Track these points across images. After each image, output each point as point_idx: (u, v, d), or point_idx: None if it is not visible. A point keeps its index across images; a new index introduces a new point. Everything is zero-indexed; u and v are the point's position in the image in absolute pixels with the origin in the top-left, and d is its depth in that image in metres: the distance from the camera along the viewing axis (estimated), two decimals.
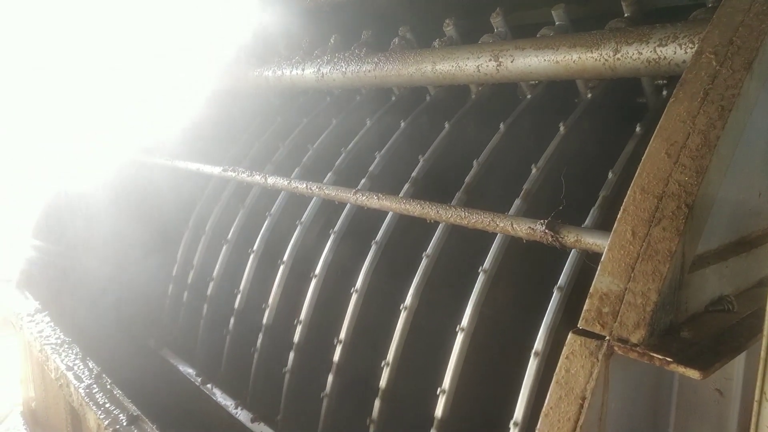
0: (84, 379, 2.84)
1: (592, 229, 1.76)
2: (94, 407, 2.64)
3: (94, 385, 2.78)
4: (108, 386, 2.76)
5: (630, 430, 1.40)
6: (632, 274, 1.30)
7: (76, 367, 2.95)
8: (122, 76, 4.38)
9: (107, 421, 2.53)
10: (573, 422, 1.25)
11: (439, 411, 2.12)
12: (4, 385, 4.67)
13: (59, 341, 3.20)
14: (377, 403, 2.30)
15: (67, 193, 4.25)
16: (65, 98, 4.83)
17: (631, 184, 1.41)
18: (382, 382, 2.31)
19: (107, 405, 2.63)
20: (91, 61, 4.64)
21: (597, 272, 1.37)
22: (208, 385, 3.13)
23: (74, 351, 3.08)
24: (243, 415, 2.85)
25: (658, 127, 1.45)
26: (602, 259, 1.38)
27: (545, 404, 1.32)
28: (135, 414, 2.54)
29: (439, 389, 2.12)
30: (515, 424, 1.86)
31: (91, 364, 2.94)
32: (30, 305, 3.63)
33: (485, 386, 2.18)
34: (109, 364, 2.97)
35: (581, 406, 1.26)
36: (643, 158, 1.43)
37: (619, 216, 1.39)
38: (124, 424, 2.51)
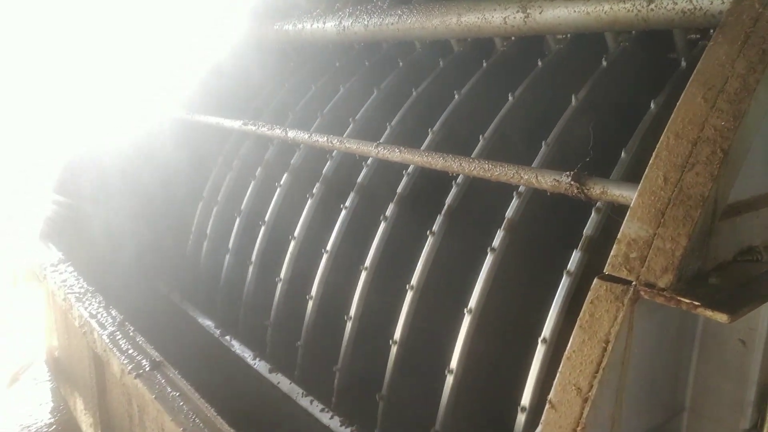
0: (107, 326, 2.90)
1: (619, 181, 1.73)
2: (117, 353, 2.70)
3: (117, 333, 2.84)
4: (131, 333, 2.82)
5: (651, 375, 1.40)
6: (662, 220, 1.27)
7: (99, 315, 3.01)
8: (142, 31, 4.35)
9: (130, 366, 2.59)
10: (596, 364, 1.25)
11: (454, 361, 2.13)
12: (28, 335, 4.80)
13: (83, 290, 3.26)
14: (393, 349, 2.32)
15: (87, 149, 4.27)
16: (84, 55, 4.81)
17: (665, 130, 1.38)
18: (398, 332, 2.32)
19: (130, 351, 2.69)
20: (113, 18, 4.62)
21: (625, 219, 1.35)
22: (227, 337, 3.18)
23: (97, 300, 3.15)
24: (261, 366, 2.90)
25: (695, 71, 1.40)
26: (632, 205, 1.35)
27: (567, 348, 1.32)
28: (158, 360, 2.59)
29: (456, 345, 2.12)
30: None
31: (114, 313, 3.00)
32: (53, 255, 3.70)
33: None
34: (131, 314, 3.03)
35: (605, 349, 1.26)
36: (678, 104, 1.39)
37: (650, 162, 1.36)
38: (147, 369, 2.56)
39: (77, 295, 3.23)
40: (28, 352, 4.50)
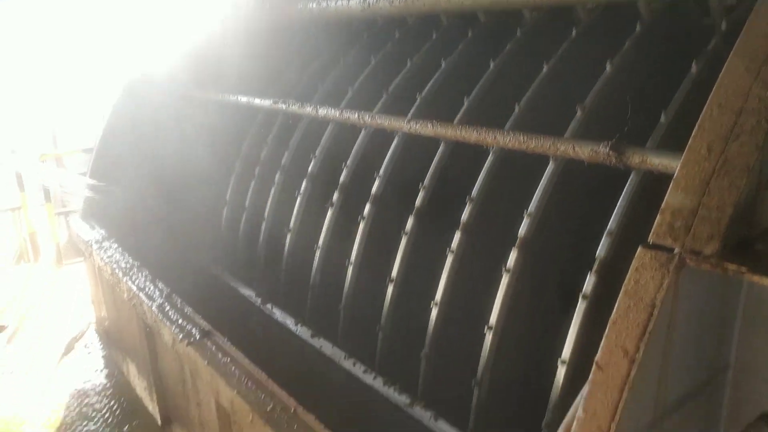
0: (156, 298, 3.05)
1: (659, 150, 1.78)
2: (167, 323, 2.84)
3: (166, 304, 2.99)
4: (179, 305, 2.96)
5: (696, 337, 1.47)
6: (707, 189, 1.33)
7: (147, 288, 3.15)
8: (169, 14, 4.39)
9: (181, 335, 2.73)
10: (642, 328, 1.33)
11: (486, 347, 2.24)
12: (75, 308, 5.02)
13: (128, 265, 3.41)
14: (434, 310, 2.42)
15: (118, 132, 4.36)
16: (116, 34, 4.87)
17: (708, 101, 1.41)
18: (438, 294, 2.41)
19: (180, 321, 2.83)
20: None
21: (669, 188, 1.40)
22: (268, 305, 3.31)
23: (143, 274, 3.29)
24: (303, 331, 3.03)
25: (737, 42, 1.43)
26: (675, 175, 1.40)
27: (613, 313, 1.39)
28: (207, 329, 2.73)
29: (486, 328, 2.22)
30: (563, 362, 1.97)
31: (160, 285, 3.14)
32: (97, 233, 3.84)
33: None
34: (176, 286, 3.16)
35: (651, 314, 1.33)
36: (720, 74, 1.42)
37: (694, 132, 1.40)
38: (198, 337, 2.71)
39: (124, 269, 3.38)
40: (78, 324, 4.71)
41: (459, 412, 2.32)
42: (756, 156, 1.28)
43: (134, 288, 3.18)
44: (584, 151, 1.97)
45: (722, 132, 1.35)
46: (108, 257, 3.53)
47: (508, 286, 2.18)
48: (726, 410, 1.61)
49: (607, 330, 1.41)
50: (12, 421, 3.61)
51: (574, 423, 1.39)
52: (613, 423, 1.31)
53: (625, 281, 1.40)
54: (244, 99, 3.74)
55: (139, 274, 3.30)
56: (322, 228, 3.03)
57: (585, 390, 1.43)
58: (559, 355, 1.96)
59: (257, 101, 3.61)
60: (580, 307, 1.94)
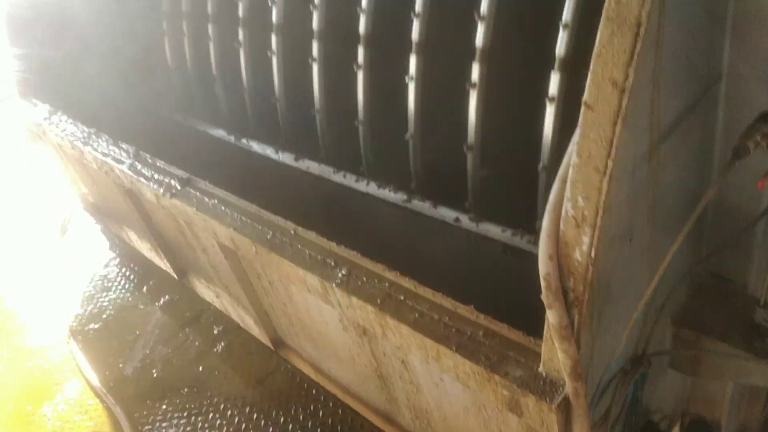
0: (124, 160, 2.91)
1: None
2: (145, 181, 2.74)
3: (136, 163, 2.86)
4: (149, 160, 2.83)
5: (686, 50, 1.34)
6: None
7: (112, 152, 3.00)
8: None
9: (162, 190, 2.65)
10: (629, 53, 1.19)
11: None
12: (54, 190, 4.91)
13: (85, 134, 3.21)
14: (411, 120, 2.30)
15: None
16: None
17: None
18: (412, 67, 2.26)
19: (156, 176, 2.73)
20: None
21: None
22: (243, 140, 3.17)
23: (104, 138, 3.11)
24: (286, 157, 2.93)
25: None
26: None
27: (596, 44, 1.25)
28: (185, 177, 2.64)
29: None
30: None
31: (125, 146, 2.98)
32: (42, 109, 3.57)
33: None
34: (141, 143, 3.00)
35: (637, 33, 1.18)
36: None
37: None
38: (179, 187, 2.63)
39: (82, 140, 3.19)
40: (64, 206, 4.65)
41: (456, 194, 2.30)
42: None
43: (100, 156, 3.03)
44: None
45: None
46: (62, 132, 3.32)
47: (485, 36, 2.02)
48: (722, 120, 1.54)
49: (591, 65, 1.27)
50: (33, 314, 3.75)
51: (570, 170, 1.33)
52: (610, 160, 1.24)
53: (605, 5, 1.23)
54: None
55: (99, 140, 3.12)
56: (271, 31, 2.74)
57: (576, 134, 1.34)
58: (547, 95, 1.87)
59: None
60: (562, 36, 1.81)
